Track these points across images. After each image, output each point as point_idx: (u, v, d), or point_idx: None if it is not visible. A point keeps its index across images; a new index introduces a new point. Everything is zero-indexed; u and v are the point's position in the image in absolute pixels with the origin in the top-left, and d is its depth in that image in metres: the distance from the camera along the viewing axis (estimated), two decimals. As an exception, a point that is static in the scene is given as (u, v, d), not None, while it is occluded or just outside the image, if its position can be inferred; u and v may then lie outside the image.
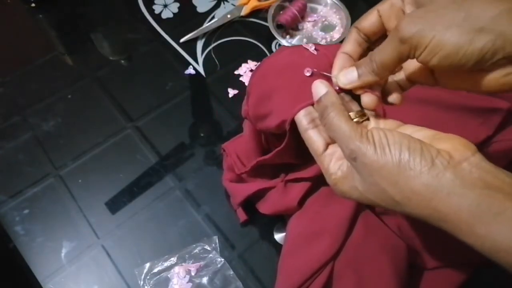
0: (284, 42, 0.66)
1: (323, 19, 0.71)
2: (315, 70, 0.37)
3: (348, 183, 0.32)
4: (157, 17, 0.72)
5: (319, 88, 0.34)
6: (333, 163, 0.33)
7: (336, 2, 0.70)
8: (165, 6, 0.74)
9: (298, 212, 0.48)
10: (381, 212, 0.48)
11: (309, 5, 0.72)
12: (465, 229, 0.27)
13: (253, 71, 0.40)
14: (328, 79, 0.36)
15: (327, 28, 0.71)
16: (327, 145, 0.34)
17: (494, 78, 0.29)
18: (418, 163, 0.28)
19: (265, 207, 0.50)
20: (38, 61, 0.66)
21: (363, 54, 0.36)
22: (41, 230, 0.52)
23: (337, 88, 0.36)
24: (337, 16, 0.71)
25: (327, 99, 0.33)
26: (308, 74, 0.37)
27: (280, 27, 0.68)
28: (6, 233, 0.51)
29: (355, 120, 0.34)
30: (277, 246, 0.50)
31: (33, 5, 0.72)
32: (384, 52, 0.31)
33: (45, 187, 0.55)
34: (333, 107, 0.33)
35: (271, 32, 0.67)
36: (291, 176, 0.48)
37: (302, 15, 0.70)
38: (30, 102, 0.62)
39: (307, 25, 0.70)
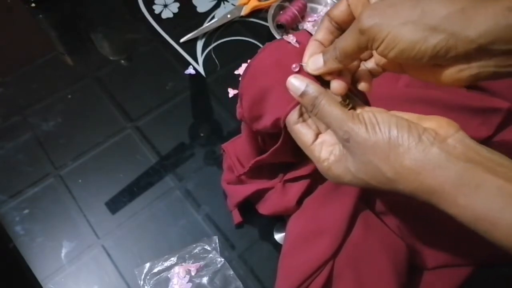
0: (284, 42, 0.66)
1: (323, 19, 0.71)
2: (302, 64, 0.37)
3: (341, 166, 0.34)
4: (157, 17, 0.72)
5: (297, 83, 0.35)
6: (324, 150, 0.35)
7: (336, 2, 0.70)
8: (165, 6, 0.74)
9: (297, 212, 0.48)
10: (381, 212, 0.48)
11: (309, 5, 0.72)
12: (449, 200, 0.29)
13: (242, 74, 0.40)
14: None
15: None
16: (316, 136, 0.36)
17: (450, 73, 0.31)
18: (406, 139, 0.30)
19: (264, 207, 0.50)
20: (38, 61, 0.66)
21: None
22: (41, 230, 0.52)
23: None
24: (337, 16, 0.71)
25: (313, 90, 0.35)
26: (296, 69, 0.37)
27: (280, 27, 0.68)
28: (6, 233, 0.51)
29: None
30: (277, 246, 0.50)
31: (33, 5, 0.72)
32: (345, 40, 0.33)
33: (45, 187, 0.55)
34: (322, 95, 0.34)
35: (271, 32, 0.67)
36: (289, 175, 0.48)
37: (302, 15, 0.70)
38: (30, 102, 0.62)
39: (307, 25, 0.70)
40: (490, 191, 0.27)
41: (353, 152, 0.32)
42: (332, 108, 0.33)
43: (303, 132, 0.36)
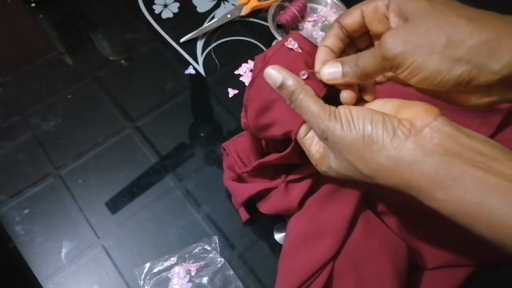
0: (284, 42, 0.66)
1: (323, 19, 0.71)
2: (310, 71, 0.37)
3: (325, 163, 0.35)
4: (157, 17, 0.72)
5: (275, 74, 0.35)
6: (313, 145, 0.36)
7: (336, 2, 0.70)
8: (165, 6, 0.74)
9: (298, 213, 0.48)
10: (382, 212, 0.48)
11: (309, 5, 0.72)
12: (427, 194, 0.29)
13: (248, 84, 0.40)
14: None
15: (327, 28, 0.71)
16: (309, 129, 0.36)
17: (468, 99, 0.31)
18: (381, 136, 0.30)
19: (265, 206, 0.50)
20: (38, 61, 0.66)
21: (344, 49, 0.37)
22: (41, 230, 0.52)
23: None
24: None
25: (291, 83, 0.34)
26: (304, 77, 0.37)
27: (280, 27, 0.68)
28: (6, 233, 0.51)
29: None
30: (277, 246, 0.50)
31: (33, 5, 0.72)
32: (368, 62, 0.33)
33: (45, 187, 0.55)
34: (299, 89, 0.34)
35: (271, 32, 0.67)
36: (292, 176, 0.48)
37: (302, 15, 0.70)
38: (30, 102, 0.62)
39: (307, 25, 0.70)
40: (468, 184, 0.27)
41: (332, 150, 0.33)
42: (309, 104, 0.33)
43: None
